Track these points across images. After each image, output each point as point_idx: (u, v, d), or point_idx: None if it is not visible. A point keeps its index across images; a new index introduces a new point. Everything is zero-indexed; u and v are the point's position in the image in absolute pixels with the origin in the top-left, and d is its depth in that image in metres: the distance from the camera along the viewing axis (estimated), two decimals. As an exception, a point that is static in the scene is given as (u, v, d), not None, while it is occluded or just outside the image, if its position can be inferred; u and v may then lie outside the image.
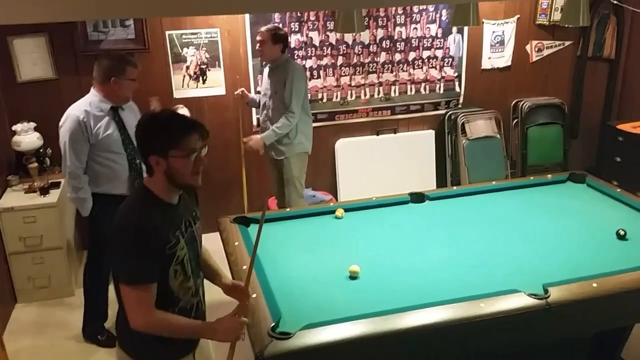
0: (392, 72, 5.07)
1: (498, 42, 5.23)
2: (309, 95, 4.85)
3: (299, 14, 4.67)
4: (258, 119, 4.86)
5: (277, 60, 4.20)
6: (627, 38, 5.43)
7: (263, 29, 4.17)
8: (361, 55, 4.96)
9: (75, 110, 3.27)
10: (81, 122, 3.24)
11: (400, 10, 4.91)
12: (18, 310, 4.02)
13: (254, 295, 2.48)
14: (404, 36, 4.99)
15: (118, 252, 1.95)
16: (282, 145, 4.30)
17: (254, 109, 4.82)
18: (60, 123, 3.32)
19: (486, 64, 5.27)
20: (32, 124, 4.09)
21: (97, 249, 3.54)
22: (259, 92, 4.63)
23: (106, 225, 3.37)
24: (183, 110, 4.19)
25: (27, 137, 4.05)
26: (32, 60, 4.26)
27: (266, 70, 4.34)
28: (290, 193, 4.43)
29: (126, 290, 1.92)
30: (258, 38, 4.18)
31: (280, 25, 4.64)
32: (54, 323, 3.86)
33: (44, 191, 3.97)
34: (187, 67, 4.60)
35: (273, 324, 2.27)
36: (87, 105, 3.30)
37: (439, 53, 5.12)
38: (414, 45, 5.03)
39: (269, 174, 4.64)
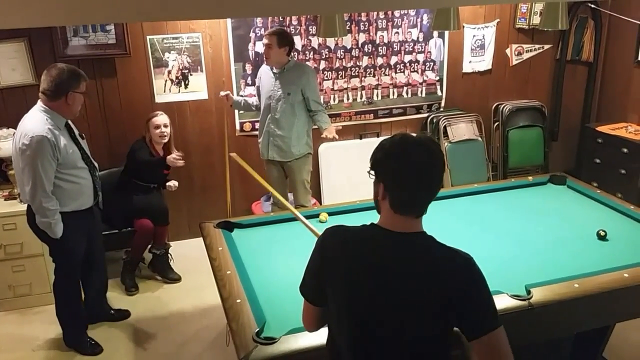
0: (374, 76, 5.09)
1: (479, 46, 5.28)
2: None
3: (281, 19, 4.68)
4: (251, 123, 4.86)
5: (285, 64, 4.20)
6: (604, 41, 5.51)
7: (268, 31, 4.17)
8: (343, 60, 4.98)
9: (40, 130, 3.06)
10: (50, 141, 3.08)
11: (381, 15, 4.93)
12: (-2, 319, 3.97)
13: (238, 301, 2.47)
14: (385, 40, 5.02)
15: (485, 294, 1.66)
16: (289, 147, 4.31)
17: (237, 114, 4.81)
18: (22, 145, 3.07)
19: (467, 67, 5.32)
20: (12, 130, 4.02)
21: (67, 265, 3.45)
22: (240, 96, 4.61)
23: (75, 240, 3.36)
24: (162, 117, 4.17)
25: (6, 143, 3.99)
26: (11, 66, 4.21)
27: (268, 72, 4.29)
28: (300, 195, 4.46)
29: (502, 332, 1.66)
30: (265, 42, 4.15)
31: (263, 31, 4.64)
32: (35, 331, 3.81)
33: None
34: (169, 72, 4.58)
35: (258, 329, 2.26)
36: (46, 122, 3.11)
37: (421, 57, 5.15)
38: (395, 49, 5.06)
39: (265, 176, 4.54)
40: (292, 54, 4.26)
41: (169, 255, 4.43)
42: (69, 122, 3.32)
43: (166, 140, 4.20)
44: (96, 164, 3.49)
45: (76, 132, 3.38)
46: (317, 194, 5.12)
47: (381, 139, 1.76)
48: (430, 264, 1.65)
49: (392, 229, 1.68)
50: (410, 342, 1.68)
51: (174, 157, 4.06)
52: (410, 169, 1.64)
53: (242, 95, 4.62)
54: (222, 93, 4.34)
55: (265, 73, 4.32)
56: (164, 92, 4.61)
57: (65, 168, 3.21)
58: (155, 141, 4.17)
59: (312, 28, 4.79)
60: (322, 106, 4.40)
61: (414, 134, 1.72)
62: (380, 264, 1.67)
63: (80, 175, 3.30)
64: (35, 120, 3.13)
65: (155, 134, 4.14)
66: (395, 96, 5.21)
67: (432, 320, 1.65)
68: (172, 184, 4.36)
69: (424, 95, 5.28)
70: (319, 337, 2.16)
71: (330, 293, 1.76)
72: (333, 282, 1.74)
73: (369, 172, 1.72)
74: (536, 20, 5.16)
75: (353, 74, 5.04)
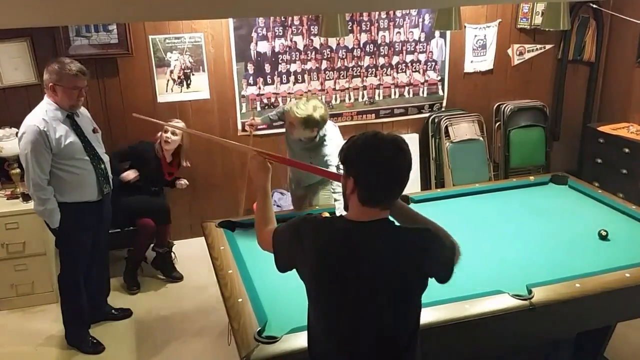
0: (376, 76, 5.09)
1: (480, 46, 5.27)
2: (294, 99, 4.88)
3: (282, 18, 4.68)
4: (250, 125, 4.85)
5: (313, 140, 3.66)
6: (606, 41, 5.51)
7: (294, 115, 3.51)
8: (345, 60, 4.98)
9: (34, 121, 3.18)
10: (42, 132, 3.16)
11: (383, 15, 4.93)
12: (1, 318, 3.97)
13: (240, 300, 2.48)
14: (387, 40, 5.02)
15: (444, 246, 1.82)
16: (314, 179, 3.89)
17: (238, 114, 4.81)
18: (19, 134, 3.25)
19: (469, 67, 5.32)
20: (14, 130, 4.04)
21: (71, 257, 3.49)
22: (266, 104, 4.59)
23: (79, 232, 3.39)
24: (175, 125, 4.17)
25: (8, 142, 4.00)
26: (13, 65, 4.22)
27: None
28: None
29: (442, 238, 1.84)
30: (288, 120, 3.62)
31: (265, 30, 4.65)
32: (37, 330, 3.81)
33: (26, 197, 3.93)
34: (171, 72, 4.59)
35: (259, 328, 2.27)
36: (44, 114, 3.22)
37: (422, 57, 5.15)
38: (397, 49, 5.06)
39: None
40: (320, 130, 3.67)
41: (172, 253, 4.44)
42: (79, 114, 3.40)
43: (168, 147, 4.19)
44: (105, 158, 3.51)
45: (87, 125, 3.44)
46: (319, 194, 5.12)
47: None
48: (397, 241, 1.75)
49: (360, 220, 1.76)
50: (399, 316, 1.81)
51: (184, 183, 4.39)
52: (381, 165, 1.72)
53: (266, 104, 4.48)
54: (250, 123, 4.15)
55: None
56: (166, 91, 4.62)
57: (62, 158, 3.27)
58: (162, 145, 4.18)
59: (314, 28, 4.79)
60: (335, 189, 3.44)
61: (385, 132, 1.79)
62: (353, 253, 1.75)
63: (80, 167, 3.34)
64: (34, 112, 3.26)
65: (162, 138, 4.14)
66: (397, 96, 5.21)
67: (412, 289, 1.79)
68: (183, 182, 4.41)
69: (425, 95, 5.28)
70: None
71: (313, 289, 1.83)
72: (309, 273, 1.82)
73: (337, 167, 1.78)
74: (538, 20, 5.15)
75: (355, 73, 5.04)
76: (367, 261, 1.74)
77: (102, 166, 3.47)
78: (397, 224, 1.80)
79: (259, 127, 4.41)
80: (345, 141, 1.82)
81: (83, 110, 3.50)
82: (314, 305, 1.86)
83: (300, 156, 3.71)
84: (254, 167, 2.16)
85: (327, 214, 3.37)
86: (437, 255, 1.79)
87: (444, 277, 1.84)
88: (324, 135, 3.66)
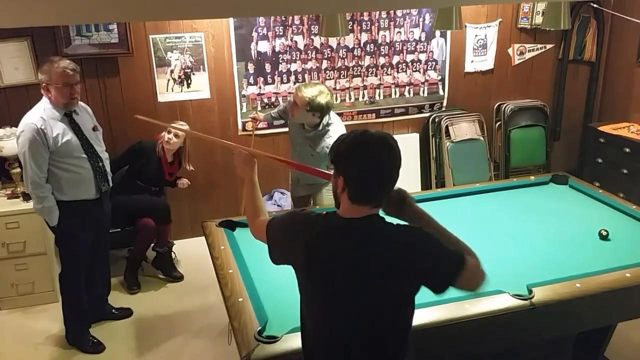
0: (376, 75, 5.09)
1: (481, 46, 5.27)
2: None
3: (283, 18, 4.68)
4: (251, 124, 4.85)
5: (317, 126, 3.67)
6: (607, 41, 5.50)
7: (300, 94, 3.52)
8: (345, 59, 4.98)
9: (32, 119, 3.20)
10: (39, 130, 3.17)
11: (384, 15, 4.93)
12: (1, 317, 3.97)
13: (240, 299, 2.48)
14: (387, 40, 5.01)
15: (440, 248, 1.77)
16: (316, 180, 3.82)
17: (239, 114, 4.82)
18: (17, 133, 3.27)
19: (469, 67, 5.31)
20: (15, 129, 4.03)
21: (71, 256, 3.49)
22: (267, 104, 4.58)
23: (78, 230, 3.39)
24: (178, 126, 4.16)
25: (9, 142, 4.00)
26: (13, 65, 4.22)
27: (299, 126, 3.79)
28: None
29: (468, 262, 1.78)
30: (294, 100, 3.62)
31: (265, 30, 4.65)
32: (38, 329, 3.82)
33: (27, 197, 3.93)
34: (172, 71, 4.59)
35: (259, 327, 2.27)
36: (42, 112, 3.23)
37: (423, 57, 5.15)
38: (397, 49, 5.06)
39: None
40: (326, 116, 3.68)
41: (172, 253, 4.44)
42: (78, 112, 3.40)
43: (169, 147, 4.18)
44: (103, 156, 3.50)
45: (87, 123, 3.44)
46: (319, 193, 5.12)
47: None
48: (388, 238, 1.75)
49: (349, 217, 1.77)
50: (387, 312, 1.80)
51: (185, 182, 4.41)
52: (369, 163, 1.72)
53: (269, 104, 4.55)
54: (254, 115, 4.36)
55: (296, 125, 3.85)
56: (167, 91, 4.62)
57: (60, 156, 3.27)
58: (164, 145, 4.17)
59: (314, 27, 4.79)
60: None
61: (374, 130, 1.80)
62: (343, 248, 1.76)
63: (77, 165, 3.34)
64: (32, 111, 3.27)
65: (164, 138, 4.13)
66: (397, 96, 5.21)
67: (401, 289, 1.77)
68: (185, 181, 4.43)
69: (426, 94, 5.28)
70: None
71: (303, 285, 1.85)
72: (300, 268, 1.83)
73: (327, 167, 1.78)
74: (538, 19, 5.15)
75: (355, 73, 5.04)
76: (356, 258, 1.73)
77: (101, 164, 3.46)
78: (389, 220, 1.80)
79: (260, 123, 4.42)
80: (335, 140, 1.82)
81: (84, 107, 3.50)
82: (305, 302, 1.87)
83: (302, 147, 3.74)
84: (240, 162, 2.24)
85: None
86: (431, 259, 1.74)
87: (436, 286, 1.78)
88: (328, 125, 3.65)
